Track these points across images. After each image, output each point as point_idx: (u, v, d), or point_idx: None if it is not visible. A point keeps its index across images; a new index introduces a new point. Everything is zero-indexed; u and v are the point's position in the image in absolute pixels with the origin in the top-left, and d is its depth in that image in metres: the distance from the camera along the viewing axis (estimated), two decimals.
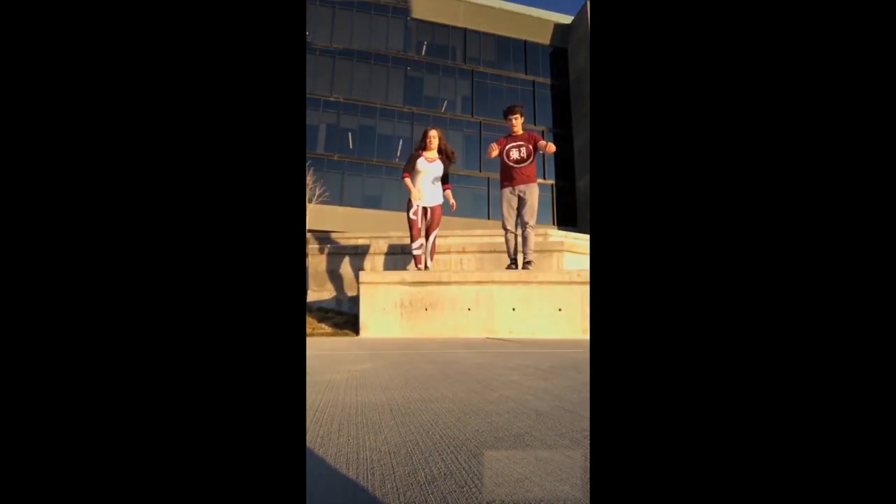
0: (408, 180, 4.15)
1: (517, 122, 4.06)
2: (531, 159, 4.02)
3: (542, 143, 3.97)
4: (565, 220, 21.51)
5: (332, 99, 21.28)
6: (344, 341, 2.82)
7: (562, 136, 23.53)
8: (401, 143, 21.91)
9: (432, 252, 4.17)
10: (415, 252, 4.07)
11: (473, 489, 0.55)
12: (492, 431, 0.79)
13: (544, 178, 22.72)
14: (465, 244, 4.84)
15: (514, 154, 4.06)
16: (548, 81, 24.31)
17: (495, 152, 4.07)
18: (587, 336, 3.31)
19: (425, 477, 0.58)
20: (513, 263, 4.09)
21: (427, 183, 4.17)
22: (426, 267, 4.05)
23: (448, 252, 4.79)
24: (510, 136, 4.11)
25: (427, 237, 4.11)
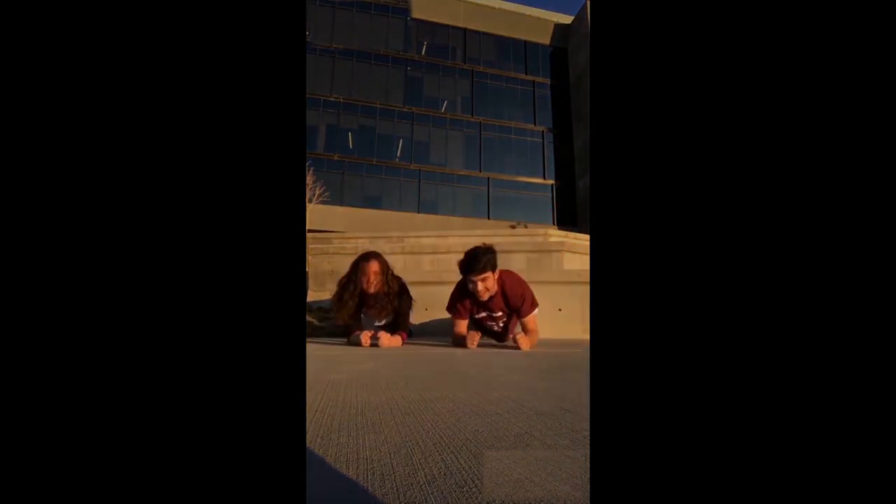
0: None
1: (483, 285, 2.46)
2: (510, 320, 2.67)
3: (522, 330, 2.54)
4: (565, 220, 21.52)
5: (332, 99, 21.30)
6: (344, 341, 2.82)
7: (562, 136, 23.56)
8: (401, 143, 21.93)
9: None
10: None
11: (473, 489, 0.55)
12: (492, 431, 0.79)
13: (544, 178, 22.74)
14: (465, 244, 4.84)
15: (490, 325, 2.72)
16: (548, 81, 24.33)
17: (464, 326, 2.60)
18: (587, 336, 3.31)
19: (425, 477, 0.58)
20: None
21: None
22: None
23: (448, 252, 4.79)
24: (477, 304, 2.58)
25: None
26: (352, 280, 2.73)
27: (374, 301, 2.75)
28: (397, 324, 2.80)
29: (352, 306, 2.73)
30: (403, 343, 2.68)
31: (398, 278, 2.87)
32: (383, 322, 2.87)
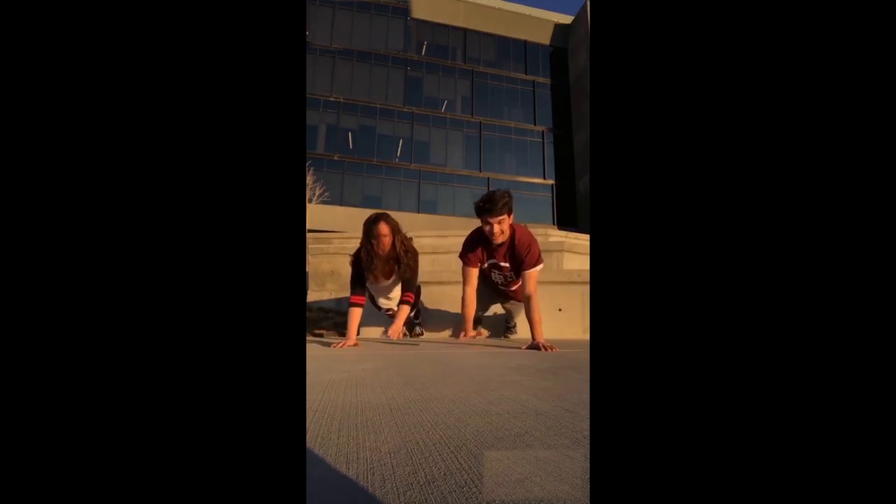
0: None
1: (499, 227, 2.51)
2: (515, 278, 2.77)
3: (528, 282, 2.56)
4: (565, 220, 21.51)
5: (332, 99, 21.29)
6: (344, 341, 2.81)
7: (562, 136, 23.55)
8: (401, 143, 21.93)
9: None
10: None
11: (473, 489, 0.55)
12: (492, 431, 0.79)
13: (544, 178, 22.74)
14: None
15: (495, 277, 2.83)
16: (548, 81, 24.32)
17: (474, 278, 2.66)
18: (587, 336, 3.31)
19: (425, 477, 0.58)
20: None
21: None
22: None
23: (448, 252, 4.78)
24: (490, 246, 2.65)
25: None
26: (365, 247, 2.65)
27: (380, 265, 2.68)
28: (402, 290, 2.74)
29: (379, 266, 2.66)
30: (411, 311, 2.65)
31: (407, 241, 2.78)
32: (389, 288, 2.80)
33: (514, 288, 2.86)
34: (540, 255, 2.68)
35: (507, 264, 2.72)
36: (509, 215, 2.54)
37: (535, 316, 2.55)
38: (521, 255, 2.63)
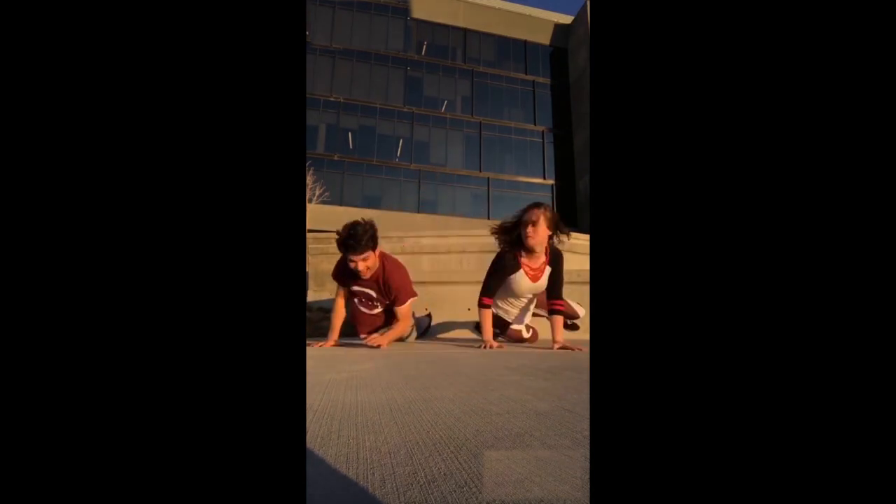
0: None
1: (364, 265, 2.50)
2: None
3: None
4: (565, 220, 21.48)
5: (332, 99, 21.30)
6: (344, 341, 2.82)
7: (562, 136, 23.57)
8: (401, 143, 21.94)
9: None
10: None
11: (473, 489, 0.55)
12: (492, 431, 0.79)
13: (544, 178, 22.76)
14: (465, 244, 4.83)
15: (365, 302, 2.87)
16: (548, 81, 24.34)
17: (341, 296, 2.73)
18: (587, 336, 3.31)
19: (425, 477, 0.58)
20: None
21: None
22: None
23: (448, 252, 4.78)
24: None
25: None
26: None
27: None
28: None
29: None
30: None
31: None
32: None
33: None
34: (411, 290, 2.60)
35: (377, 294, 2.62)
36: (374, 250, 2.43)
37: (397, 326, 2.60)
38: (392, 296, 2.58)
